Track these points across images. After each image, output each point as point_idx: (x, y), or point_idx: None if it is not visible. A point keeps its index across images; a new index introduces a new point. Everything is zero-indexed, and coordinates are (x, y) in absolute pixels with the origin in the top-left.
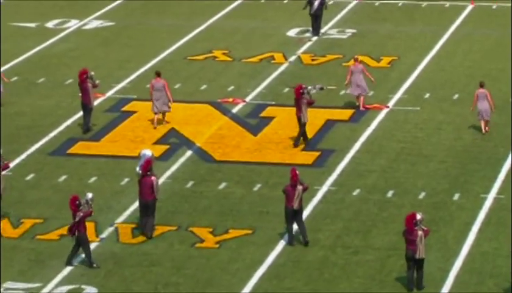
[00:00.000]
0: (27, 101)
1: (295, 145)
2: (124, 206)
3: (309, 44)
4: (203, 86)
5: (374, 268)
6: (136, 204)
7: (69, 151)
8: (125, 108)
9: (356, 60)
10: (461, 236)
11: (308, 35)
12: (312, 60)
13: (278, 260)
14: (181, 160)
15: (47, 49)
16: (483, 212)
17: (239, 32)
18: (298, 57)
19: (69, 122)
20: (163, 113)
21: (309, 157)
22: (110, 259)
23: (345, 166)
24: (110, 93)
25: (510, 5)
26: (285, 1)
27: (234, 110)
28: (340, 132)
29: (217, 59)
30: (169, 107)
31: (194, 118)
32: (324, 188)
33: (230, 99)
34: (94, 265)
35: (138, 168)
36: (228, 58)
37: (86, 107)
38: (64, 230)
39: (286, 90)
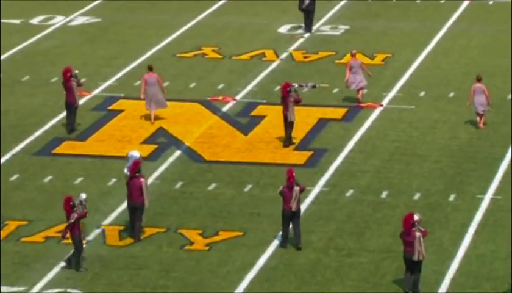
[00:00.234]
0: (11, 100)
1: (285, 146)
2: (111, 207)
3: (301, 40)
4: (193, 84)
5: (368, 270)
6: (124, 205)
7: (55, 151)
8: (112, 106)
9: (353, 55)
10: (457, 238)
11: (300, 31)
12: (305, 57)
13: (270, 262)
14: (170, 160)
15: (32, 46)
16: (479, 213)
17: (229, 29)
18: (290, 54)
19: (54, 121)
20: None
21: (302, 157)
22: (96, 261)
23: (338, 167)
24: (96, 91)
25: (506, 0)
26: None
27: (225, 108)
28: (333, 131)
29: (206, 56)
30: (167, 104)
31: (183, 116)
32: (317, 189)
33: (220, 98)
34: (81, 270)
35: (126, 170)
36: (218, 56)
37: (71, 107)
38: (49, 232)
39: (277, 88)
